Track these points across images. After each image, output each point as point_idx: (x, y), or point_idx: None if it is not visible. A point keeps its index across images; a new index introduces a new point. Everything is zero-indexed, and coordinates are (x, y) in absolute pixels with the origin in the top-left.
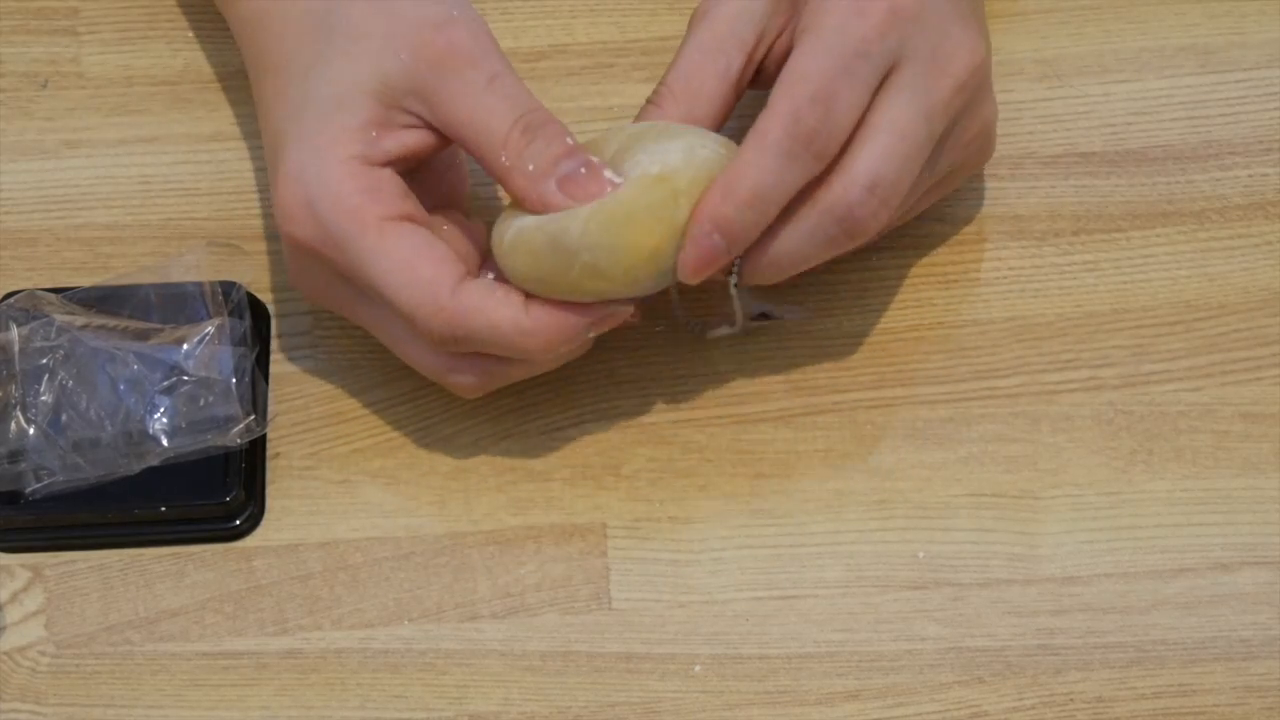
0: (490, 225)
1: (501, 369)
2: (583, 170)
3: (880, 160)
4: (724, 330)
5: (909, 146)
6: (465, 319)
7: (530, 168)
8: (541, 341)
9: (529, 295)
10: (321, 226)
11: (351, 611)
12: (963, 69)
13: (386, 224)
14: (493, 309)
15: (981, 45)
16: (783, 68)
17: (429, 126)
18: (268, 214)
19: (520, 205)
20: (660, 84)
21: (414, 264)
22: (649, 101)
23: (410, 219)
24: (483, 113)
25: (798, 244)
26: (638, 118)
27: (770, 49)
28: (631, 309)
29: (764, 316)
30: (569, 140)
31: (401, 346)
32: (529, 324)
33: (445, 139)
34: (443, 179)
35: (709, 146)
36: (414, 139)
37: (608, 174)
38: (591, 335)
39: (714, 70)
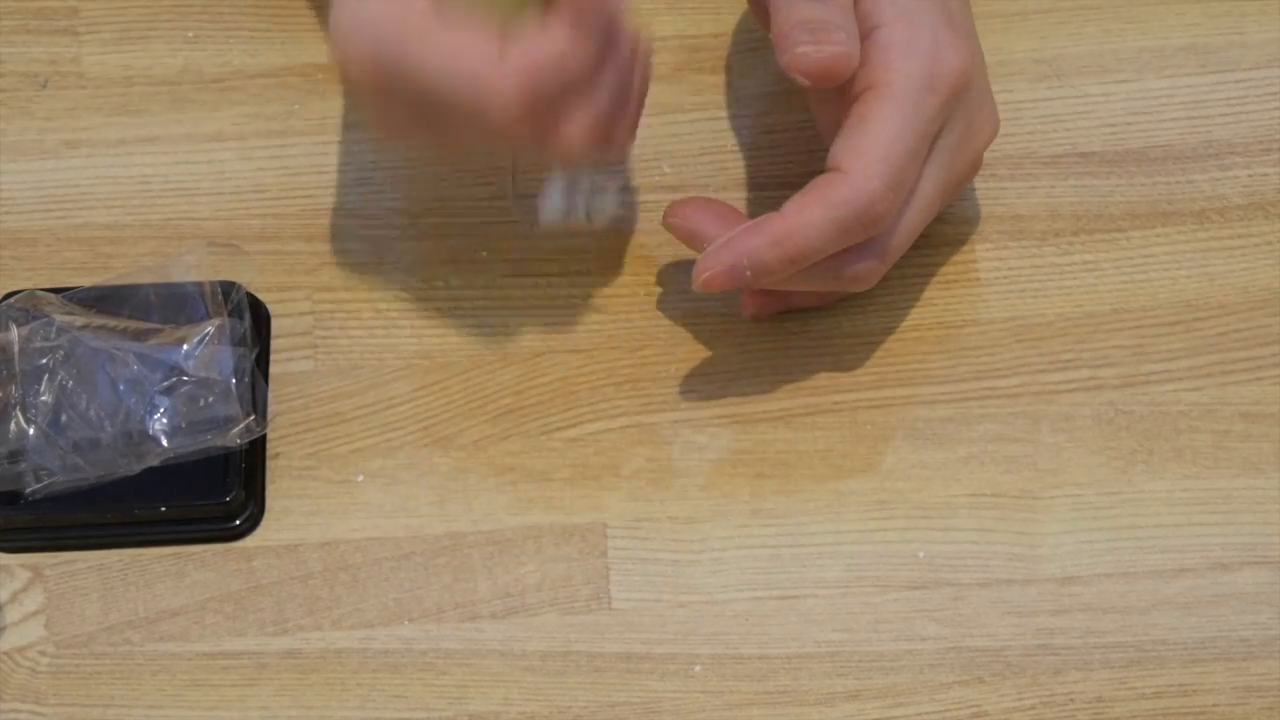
0: None
1: (583, 99)
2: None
3: (901, 232)
4: (548, 209)
5: (926, 215)
6: (532, 59)
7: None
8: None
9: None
10: (376, 46)
11: (351, 611)
12: (984, 143)
13: (427, 17)
14: (544, 43)
15: (997, 116)
16: (851, 117)
17: None
18: (268, 214)
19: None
20: None
21: (463, 43)
22: None
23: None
24: None
25: (799, 276)
26: None
27: None
28: None
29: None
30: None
31: (496, 136)
32: (577, 29)
33: None
34: None
35: None
36: None
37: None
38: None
39: None
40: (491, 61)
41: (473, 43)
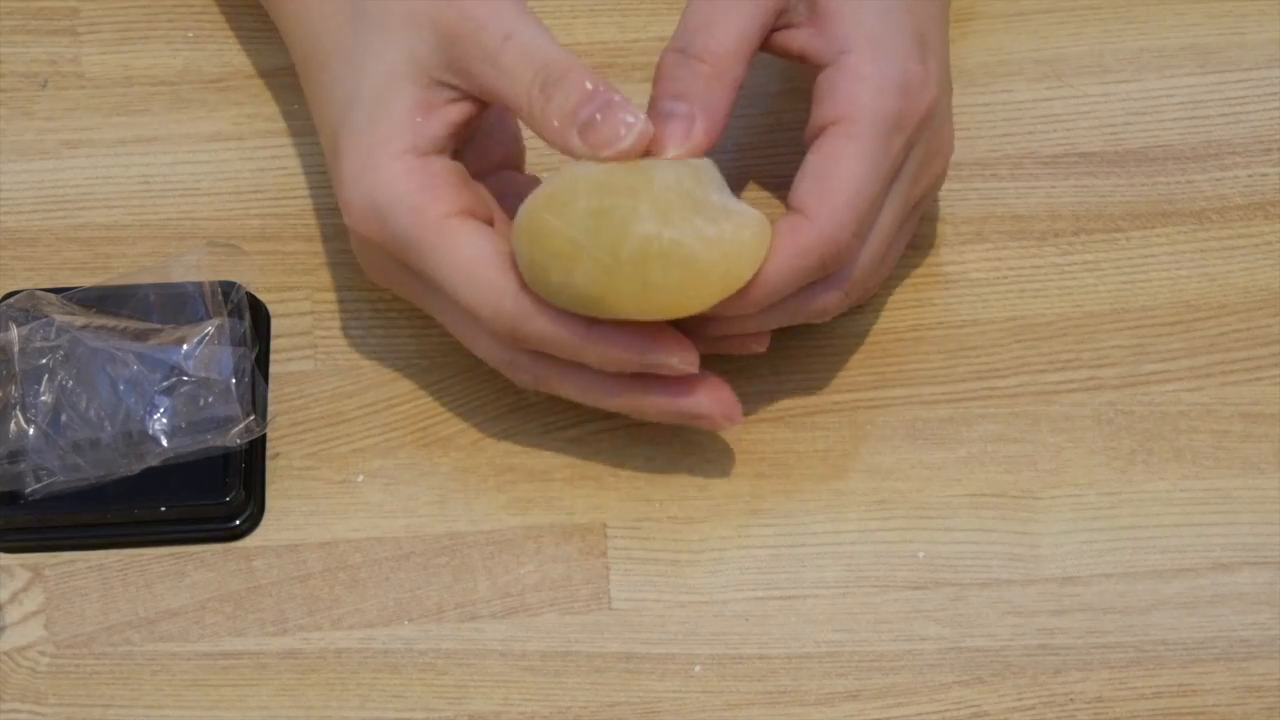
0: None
1: (558, 377)
2: (598, 116)
3: (865, 267)
4: None
5: (887, 244)
6: (528, 321)
7: (555, 124)
8: (600, 353)
9: None
10: (387, 227)
11: (351, 611)
12: (943, 163)
13: (448, 222)
14: (555, 316)
15: (953, 138)
16: (818, 154)
17: (470, 97)
18: (268, 214)
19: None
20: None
21: (477, 267)
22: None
23: (471, 213)
24: (504, 77)
25: (769, 319)
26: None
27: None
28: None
29: None
30: (587, 85)
31: (467, 337)
32: (592, 334)
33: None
34: (496, 140)
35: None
36: (459, 112)
37: (627, 115)
38: (656, 365)
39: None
40: (505, 294)
41: (492, 268)
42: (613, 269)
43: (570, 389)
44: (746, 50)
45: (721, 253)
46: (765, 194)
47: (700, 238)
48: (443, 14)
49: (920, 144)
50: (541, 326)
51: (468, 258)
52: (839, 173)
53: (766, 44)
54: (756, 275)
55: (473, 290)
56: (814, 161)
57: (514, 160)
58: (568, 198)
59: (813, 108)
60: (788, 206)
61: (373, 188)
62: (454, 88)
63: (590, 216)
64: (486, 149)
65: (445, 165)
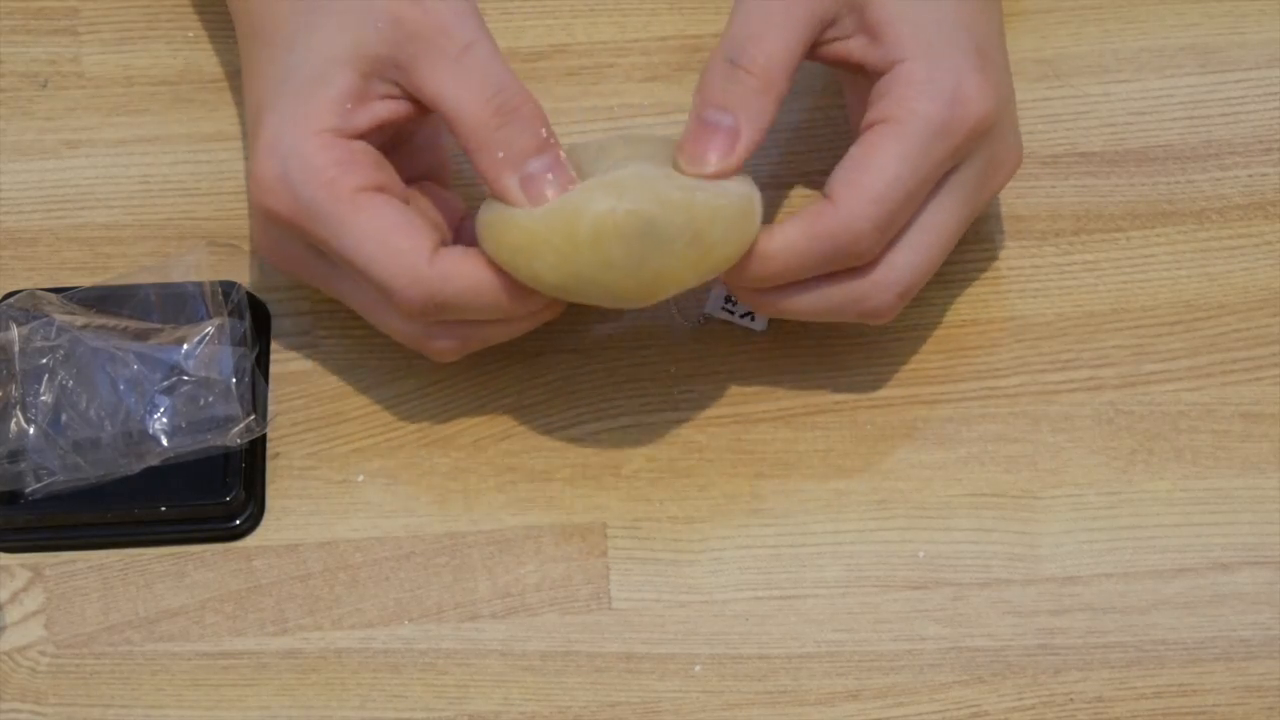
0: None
1: (479, 332)
2: (549, 176)
3: (918, 267)
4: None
5: (945, 249)
6: (444, 285)
7: (500, 154)
8: (525, 302)
9: None
10: (296, 198)
11: (351, 611)
12: (1008, 175)
13: (360, 195)
14: (472, 271)
15: (1020, 150)
16: (859, 147)
17: (407, 97)
18: None
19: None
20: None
21: (389, 236)
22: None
23: (383, 189)
24: (454, 85)
25: (806, 304)
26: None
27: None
28: None
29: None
30: (543, 132)
31: (377, 316)
32: (516, 289)
33: (425, 109)
34: (423, 155)
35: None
36: (388, 110)
37: (570, 186)
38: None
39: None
40: (419, 259)
41: (404, 237)
42: (571, 255)
43: (497, 334)
44: (793, 64)
45: (688, 216)
46: (765, 193)
47: (660, 202)
48: (405, 10)
49: (980, 154)
50: (461, 287)
51: (379, 227)
52: (874, 167)
53: (816, 54)
54: (765, 250)
55: (385, 261)
56: (853, 153)
57: (437, 172)
58: None
59: (866, 110)
60: (823, 195)
61: (286, 159)
62: (392, 84)
63: (548, 205)
64: (411, 157)
65: (364, 147)
